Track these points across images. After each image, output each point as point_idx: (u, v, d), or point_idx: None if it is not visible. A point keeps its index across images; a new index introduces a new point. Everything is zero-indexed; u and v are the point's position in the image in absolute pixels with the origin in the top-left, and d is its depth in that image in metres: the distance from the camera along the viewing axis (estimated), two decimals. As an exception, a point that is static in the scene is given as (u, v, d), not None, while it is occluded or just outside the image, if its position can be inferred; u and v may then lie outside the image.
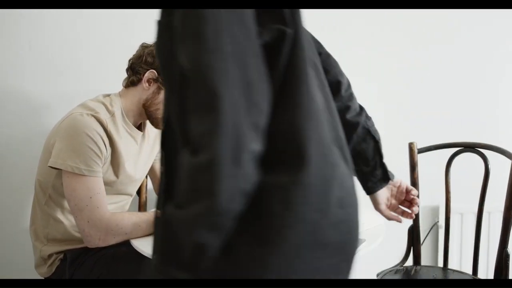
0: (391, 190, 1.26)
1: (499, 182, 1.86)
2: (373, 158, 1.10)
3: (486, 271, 2.31)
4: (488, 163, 1.82)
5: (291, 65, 0.82)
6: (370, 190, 1.18)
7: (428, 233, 2.30)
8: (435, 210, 2.30)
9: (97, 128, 1.47)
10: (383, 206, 1.25)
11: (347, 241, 0.86)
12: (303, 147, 0.80)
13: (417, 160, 1.94)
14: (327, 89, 0.92)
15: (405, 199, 1.28)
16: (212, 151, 0.69)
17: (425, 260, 2.31)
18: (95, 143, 1.45)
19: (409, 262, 1.97)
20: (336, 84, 1.06)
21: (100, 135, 1.47)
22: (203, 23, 0.73)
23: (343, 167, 0.86)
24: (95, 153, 1.45)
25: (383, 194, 1.22)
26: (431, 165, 2.04)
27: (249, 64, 0.75)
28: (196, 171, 0.71)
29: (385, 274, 1.83)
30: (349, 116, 1.05)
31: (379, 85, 2.21)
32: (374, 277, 1.83)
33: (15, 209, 2.01)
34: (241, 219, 0.75)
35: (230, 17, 0.74)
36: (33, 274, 1.68)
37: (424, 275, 1.86)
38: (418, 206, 1.27)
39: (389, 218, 1.28)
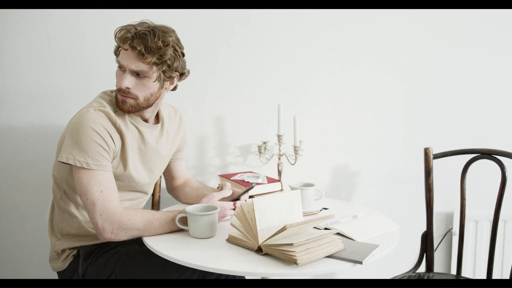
0: None
1: (516, 190, 1.83)
2: None
3: (500, 280, 2.28)
4: (506, 170, 1.80)
5: None
6: None
7: (441, 240, 2.28)
8: (449, 217, 2.28)
9: (103, 122, 1.47)
10: None
11: None
12: None
13: (432, 166, 1.92)
14: None
15: None
16: None
17: (438, 267, 2.29)
18: (102, 137, 1.46)
19: (422, 268, 1.95)
20: None
21: (106, 130, 1.47)
22: None
23: None
24: (102, 147, 1.45)
25: None
26: (446, 171, 2.02)
27: None
28: None
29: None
30: None
31: (396, 91, 2.19)
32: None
33: (36, 203, 2.03)
34: None
35: None
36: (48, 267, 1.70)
37: (437, 282, 1.84)
38: None
39: None
